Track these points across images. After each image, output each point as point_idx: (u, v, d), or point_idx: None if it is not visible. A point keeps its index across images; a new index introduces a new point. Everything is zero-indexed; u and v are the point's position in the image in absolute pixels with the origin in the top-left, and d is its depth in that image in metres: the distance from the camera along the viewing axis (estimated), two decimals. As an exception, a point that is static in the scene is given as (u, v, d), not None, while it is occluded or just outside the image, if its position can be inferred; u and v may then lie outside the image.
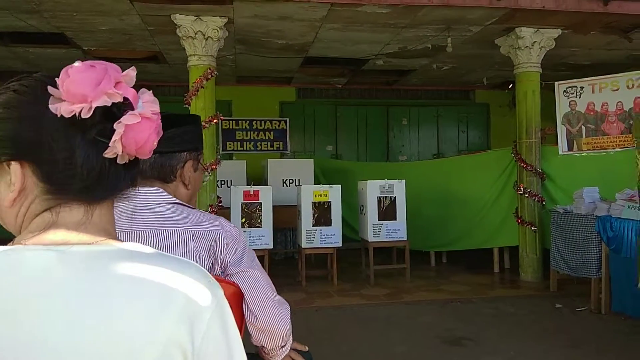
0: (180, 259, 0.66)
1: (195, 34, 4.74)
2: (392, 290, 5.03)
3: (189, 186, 1.27)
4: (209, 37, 4.78)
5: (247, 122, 7.96)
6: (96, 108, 0.61)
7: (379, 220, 5.22)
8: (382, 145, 8.39)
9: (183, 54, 5.04)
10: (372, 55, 6.23)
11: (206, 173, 4.66)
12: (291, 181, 6.40)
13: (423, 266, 5.97)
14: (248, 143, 7.98)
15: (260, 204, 5.09)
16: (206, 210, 3.76)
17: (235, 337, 0.68)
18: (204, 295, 0.64)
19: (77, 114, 0.60)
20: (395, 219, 5.25)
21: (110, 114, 0.62)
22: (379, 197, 5.26)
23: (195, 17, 4.69)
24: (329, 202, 5.16)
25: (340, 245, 5.21)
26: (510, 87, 7.09)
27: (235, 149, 7.94)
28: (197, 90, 4.86)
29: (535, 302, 4.51)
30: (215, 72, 4.97)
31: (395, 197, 5.29)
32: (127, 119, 0.62)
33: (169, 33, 5.03)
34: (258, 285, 1.21)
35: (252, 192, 5.13)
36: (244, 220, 5.08)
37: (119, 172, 0.65)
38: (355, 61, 6.58)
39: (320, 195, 5.16)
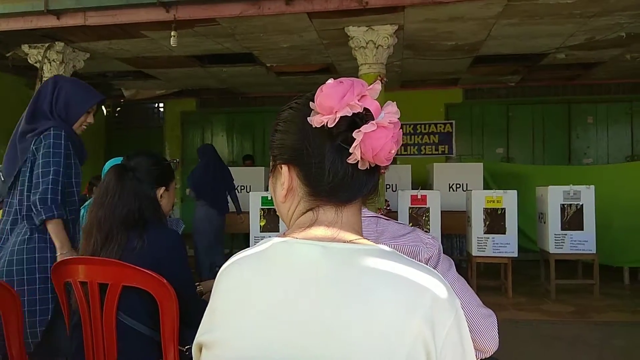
0: (420, 263, 0.71)
1: (367, 43, 4.91)
2: (577, 307, 4.53)
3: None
4: (379, 45, 4.91)
5: (411, 126, 7.94)
6: (341, 118, 0.70)
7: (562, 230, 4.76)
8: (563, 147, 7.60)
9: (353, 63, 5.26)
10: (553, 49, 5.71)
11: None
12: (458, 186, 6.20)
13: (614, 283, 5.27)
14: (412, 147, 7.96)
15: (427, 208, 5.04)
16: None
17: (470, 350, 0.70)
18: (446, 301, 0.67)
19: (325, 124, 0.70)
20: (582, 229, 4.72)
21: (353, 124, 0.71)
22: (562, 204, 4.79)
23: (367, 28, 4.85)
24: (503, 209, 4.87)
25: (516, 255, 4.88)
26: None
27: (399, 153, 7.99)
28: (368, 98, 5.01)
29: None
30: (385, 80, 5.08)
31: (582, 204, 4.76)
32: (366, 127, 0.70)
33: (341, 45, 5.29)
34: (464, 299, 1.17)
35: (419, 197, 5.11)
36: (410, 224, 5.08)
37: (360, 178, 0.73)
38: (531, 57, 6.10)
39: (493, 201, 4.90)
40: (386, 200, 5.27)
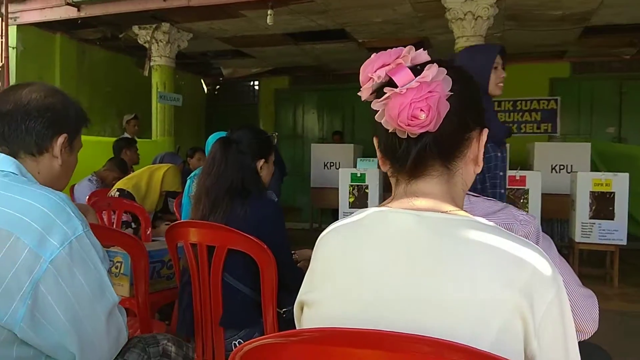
0: (521, 238, 0.69)
1: (465, 14, 4.69)
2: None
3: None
4: (478, 16, 4.67)
5: (511, 102, 7.49)
6: (374, 90, 0.74)
7: (680, 217, 4.30)
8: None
9: (449, 36, 5.06)
10: (679, 16, 5.08)
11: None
12: (562, 167, 5.78)
13: None
14: (511, 125, 7.53)
15: (526, 190, 4.78)
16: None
17: (571, 328, 0.67)
18: (548, 276, 0.66)
19: (366, 94, 0.75)
20: None
21: (381, 93, 0.72)
22: (684, 189, 4.31)
23: (466, -2, 4.64)
24: (612, 193, 4.48)
25: (625, 243, 4.49)
26: None
27: (497, 130, 7.59)
28: (463, 72, 4.82)
29: None
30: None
31: None
32: (386, 95, 0.71)
33: (437, 17, 5.11)
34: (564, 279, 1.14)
35: (518, 177, 4.86)
36: (506, 206, 4.86)
37: (408, 147, 0.73)
38: (653, 26, 5.48)
39: (602, 185, 4.53)
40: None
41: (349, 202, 4.65)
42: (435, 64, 0.72)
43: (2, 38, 5.71)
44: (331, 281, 0.74)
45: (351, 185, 4.67)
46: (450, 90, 0.71)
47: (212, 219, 1.65)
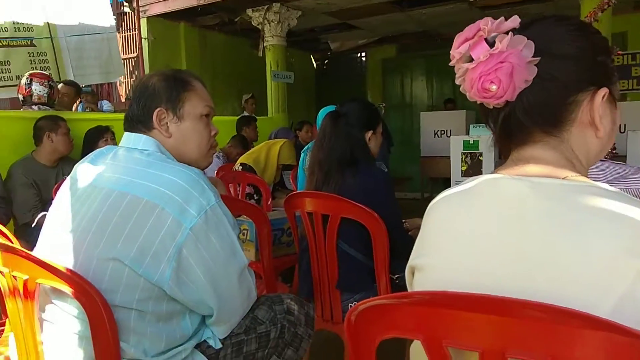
0: None
1: (592, -40, 4.21)
2: None
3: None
4: (608, -40, 4.16)
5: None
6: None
7: None
8: None
9: (573, -13, 4.58)
10: None
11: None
12: None
13: None
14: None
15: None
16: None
17: None
18: None
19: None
20: None
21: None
22: None
23: (594, -59, 4.14)
24: None
25: None
26: None
27: (631, 87, 6.74)
28: (590, 25, 4.34)
29: None
30: (614, 1, 4.31)
31: None
32: (461, 71, 0.72)
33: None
34: None
35: (656, 139, 4.31)
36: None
37: (496, 115, 0.74)
38: None
39: None
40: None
41: (462, 171, 4.51)
42: (509, 34, 0.70)
43: (134, 30, 6.36)
44: (440, 247, 0.76)
45: (463, 153, 4.52)
46: (544, 53, 0.69)
47: (325, 190, 1.75)
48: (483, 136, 4.47)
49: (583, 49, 0.73)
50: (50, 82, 3.44)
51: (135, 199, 1.04)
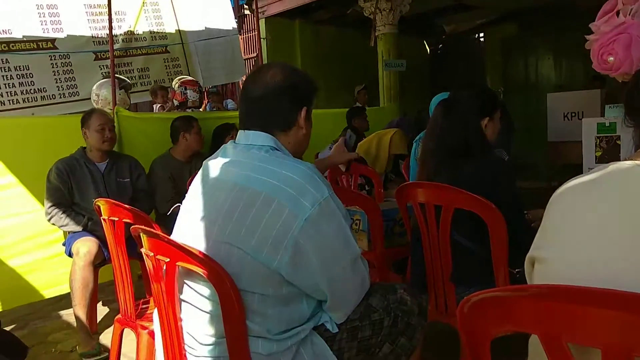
0: None
1: None
2: None
3: None
4: None
5: None
6: None
7: None
8: None
9: None
10: None
11: None
12: None
13: None
14: None
15: None
16: None
17: None
18: None
19: None
20: None
21: None
22: None
23: None
24: None
25: None
26: None
27: None
28: None
29: None
30: None
31: None
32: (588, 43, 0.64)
33: None
34: None
35: None
36: None
37: (628, 91, 0.71)
38: None
39: None
40: None
41: (596, 157, 4.08)
42: (638, 2, 0.65)
43: (254, 31, 6.74)
44: (563, 239, 0.73)
45: (598, 137, 4.08)
46: None
47: (437, 180, 1.72)
48: (621, 118, 4.01)
49: None
50: (200, 88, 3.91)
51: (255, 193, 1.12)
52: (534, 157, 7.11)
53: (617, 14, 0.63)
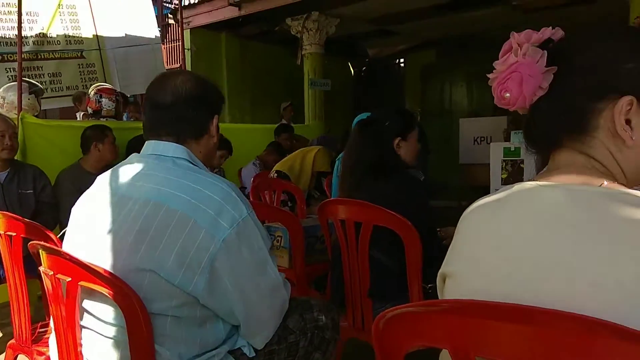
0: None
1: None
2: None
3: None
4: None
5: None
6: None
7: None
8: None
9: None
10: None
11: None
12: None
13: None
14: None
15: None
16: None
17: None
18: None
19: None
20: None
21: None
22: None
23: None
24: None
25: None
26: None
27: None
28: None
29: None
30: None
31: None
32: (489, 80, 0.78)
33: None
34: None
35: None
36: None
37: (525, 121, 0.76)
38: None
39: None
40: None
41: (502, 179, 4.40)
42: (526, 46, 0.73)
43: (178, 42, 6.58)
44: (472, 255, 0.76)
45: (504, 161, 4.41)
46: (564, 63, 0.72)
47: (356, 196, 1.75)
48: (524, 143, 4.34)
49: (605, 57, 0.72)
50: (117, 97, 3.68)
51: (170, 211, 1.05)
52: (448, 177, 7.52)
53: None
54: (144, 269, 1.04)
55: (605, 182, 0.69)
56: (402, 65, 9.15)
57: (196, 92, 1.19)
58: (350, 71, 9.40)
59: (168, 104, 1.18)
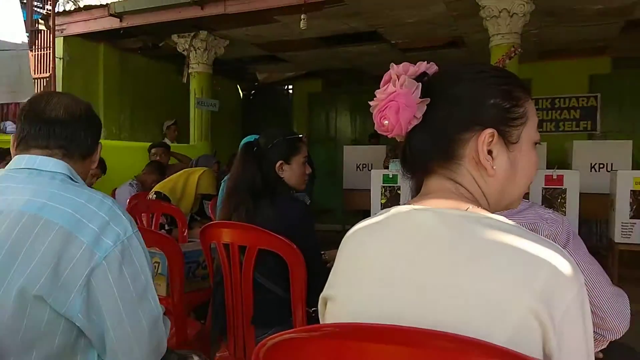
0: (542, 237, 0.70)
1: (500, 12, 4.62)
2: None
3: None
4: (514, 13, 4.59)
5: (549, 100, 7.24)
6: None
7: None
8: None
9: (484, 35, 4.99)
10: None
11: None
12: (601, 166, 5.59)
13: None
14: (548, 124, 7.27)
15: (564, 189, 4.64)
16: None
17: (590, 328, 0.67)
18: (567, 275, 0.65)
19: None
20: None
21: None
22: None
23: (501, -5, 4.57)
24: (656, 192, 4.30)
25: (670, 244, 4.31)
26: None
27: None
28: (498, 71, 4.74)
29: None
30: (519, 50, 4.74)
31: None
32: (371, 108, 0.82)
33: (472, 16, 5.04)
34: (593, 278, 1.12)
35: (555, 177, 4.73)
36: (544, 206, 4.73)
37: (402, 147, 0.82)
38: (702, 17, 5.22)
39: (644, 184, 4.36)
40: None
41: (381, 204, 4.64)
42: (402, 77, 0.78)
43: (49, 49, 6.01)
44: (351, 278, 0.77)
45: (383, 187, 4.66)
46: (436, 95, 0.77)
47: (235, 218, 1.71)
48: (401, 171, 4.64)
49: (472, 92, 0.79)
50: None
51: (49, 224, 0.97)
52: (332, 202, 7.75)
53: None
54: (9, 288, 0.93)
55: (470, 207, 0.75)
56: (290, 91, 9.33)
57: (88, 116, 1.19)
58: (240, 94, 9.35)
59: (61, 120, 1.13)
